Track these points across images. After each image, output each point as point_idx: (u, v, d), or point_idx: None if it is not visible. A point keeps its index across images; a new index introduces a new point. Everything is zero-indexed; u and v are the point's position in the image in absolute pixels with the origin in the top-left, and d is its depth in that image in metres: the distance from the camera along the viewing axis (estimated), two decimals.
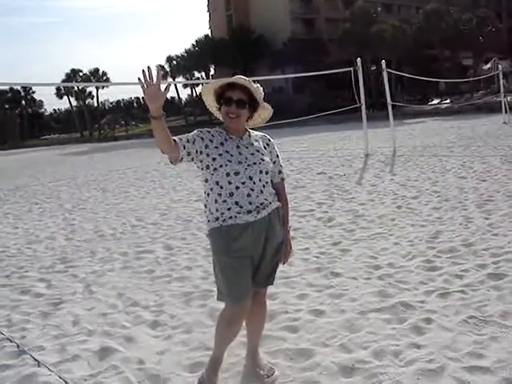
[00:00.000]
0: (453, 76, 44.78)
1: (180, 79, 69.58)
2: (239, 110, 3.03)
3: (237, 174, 3.02)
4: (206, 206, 3.15)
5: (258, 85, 3.11)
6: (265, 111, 3.23)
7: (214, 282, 5.10)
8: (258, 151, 3.15)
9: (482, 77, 37.81)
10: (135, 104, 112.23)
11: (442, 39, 55.56)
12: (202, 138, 3.03)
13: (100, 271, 6.05)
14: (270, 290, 4.71)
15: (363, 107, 15.54)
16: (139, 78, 2.62)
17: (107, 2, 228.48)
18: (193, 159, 3.00)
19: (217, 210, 3.05)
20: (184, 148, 2.94)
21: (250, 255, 3.09)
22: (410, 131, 23.85)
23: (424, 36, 56.03)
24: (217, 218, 3.06)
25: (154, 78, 2.62)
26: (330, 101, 46.62)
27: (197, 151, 2.99)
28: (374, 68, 52.09)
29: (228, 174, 3.01)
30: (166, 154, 2.92)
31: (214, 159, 3.02)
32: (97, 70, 79.01)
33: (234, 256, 3.03)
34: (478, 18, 56.54)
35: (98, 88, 78.32)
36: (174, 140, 2.89)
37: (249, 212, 3.04)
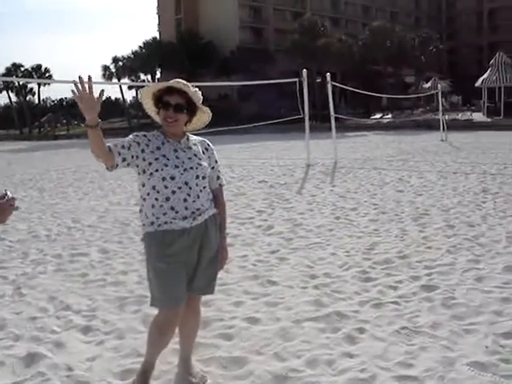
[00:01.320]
0: (395, 92, 46.08)
1: (125, 80, 68.56)
2: (177, 115, 3.02)
3: (173, 178, 3.00)
4: (141, 210, 3.12)
5: (196, 89, 3.09)
6: (204, 115, 3.22)
7: (148, 288, 5.06)
8: (196, 155, 3.13)
9: (422, 94, 39.04)
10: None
11: (386, 56, 57.12)
12: (138, 143, 3.00)
13: (31, 273, 5.85)
14: (206, 296, 4.68)
15: (306, 118, 15.74)
16: (72, 91, 2.62)
17: None
18: (129, 164, 2.98)
19: (152, 215, 3.02)
20: (119, 154, 2.92)
21: (183, 261, 3.06)
22: (352, 144, 24.34)
23: (369, 52, 57.44)
24: (152, 223, 3.03)
25: (87, 88, 2.63)
26: (276, 110, 47.02)
27: (132, 156, 2.96)
28: (320, 80, 52.90)
29: (164, 179, 2.99)
30: (101, 161, 2.90)
31: (150, 164, 3.00)
32: (39, 66, 76.81)
33: (167, 261, 3.00)
34: (421, 38, 58.51)
35: (39, 85, 76.18)
36: (109, 147, 2.89)
37: (184, 218, 3.03)
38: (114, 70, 68.54)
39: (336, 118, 17.47)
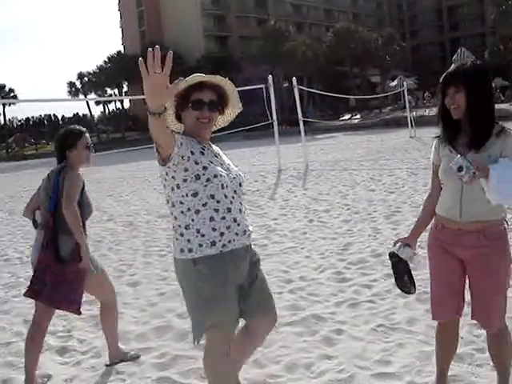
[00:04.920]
0: (362, 92, 46.64)
1: (92, 96, 68.03)
2: (212, 113, 2.66)
3: (227, 186, 2.62)
4: (187, 227, 2.58)
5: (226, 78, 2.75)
6: (234, 110, 2.87)
7: (124, 304, 5.02)
8: (229, 164, 2.79)
9: (389, 93, 39.49)
10: (45, 122, 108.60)
11: (351, 57, 57.77)
12: (186, 143, 2.51)
13: (4, 297, 5.75)
14: (183, 308, 4.66)
15: (275, 123, 15.81)
16: (142, 61, 2.07)
17: (15, 14, 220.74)
18: (177, 164, 2.46)
19: (213, 230, 2.55)
20: (181, 144, 2.45)
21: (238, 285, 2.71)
22: (322, 146, 24.49)
23: (334, 54, 58.04)
24: (213, 243, 2.55)
25: (159, 67, 2.07)
26: (244, 117, 47.16)
27: (183, 157, 2.46)
28: (287, 85, 53.21)
29: (223, 186, 2.58)
30: (161, 148, 2.40)
31: (204, 168, 2.55)
32: (3, 86, 75.76)
33: (227, 288, 2.61)
34: (384, 38, 59.30)
35: (4, 105, 75.15)
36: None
37: (244, 233, 2.67)
38: (79, 86, 67.96)
39: (305, 122, 17.58)
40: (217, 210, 2.56)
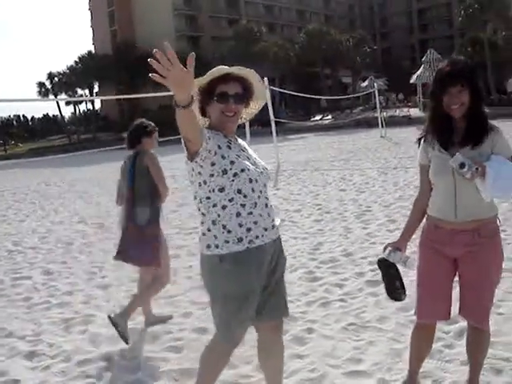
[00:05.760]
0: (334, 93, 46.90)
1: (62, 96, 67.06)
2: (238, 106, 2.60)
3: (256, 181, 2.59)
4: (214, 223, 2.55)
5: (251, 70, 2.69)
6: (259, 102, 2.84)
7: (95, 307, 4.97)
8: (256, 158, 2.76)
9: (360, 94, 39.78)
10: (15, 122, 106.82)
11: (323, 58, 58.06)
12: (213, 137, 2.47)
13: None
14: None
15: (247, 124, 15.77)
16: (154, 59, 2.07)
17: None
18: (204, 159, 2.43)
19: (240, 226, 2.52)
20: (209, 139, 2.40)
21: (261, 286, 2.67)
22: (294, 147, 24.58)
23: (306, 55, 58.22)
24: (240, 239, 2.52)
25: (169, 61, 2.07)
26: None
27: (210, 151, 2.42)
28: None
29: (251, 180, 2.55)
30: (190, 143, 2.36)
31: (232, 162, 2.51)
32: None
33: (253, 287, 2.58)
34: (355, 39, 59.75)
35: None
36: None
37: (273, 227, 2.65)
38: (49, 87, 66.94)
39: (277, 122, 17.59)
40: (243, 206, 2.53)
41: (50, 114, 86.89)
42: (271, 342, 2.87)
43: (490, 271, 2.76)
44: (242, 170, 2.52)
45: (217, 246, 2.52)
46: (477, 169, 2.51)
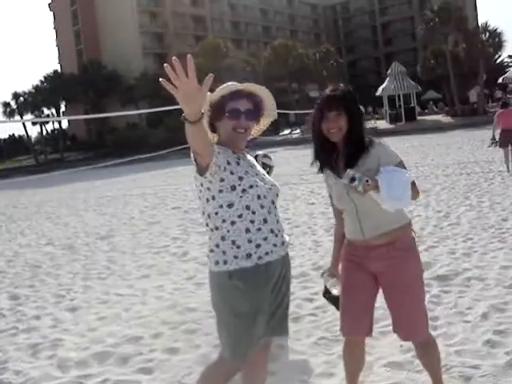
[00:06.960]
0: (301, 107, 47.24)
1: (28, 117, 66.16)
2: (249, 123, 2.61)
3: (265, 197, 2.58)
4: (223, 239, 2.53)
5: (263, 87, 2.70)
6: (268, 119, 2.85)
7: (64, 330, 4.88)
8: (264, 174, 2.75)
9: None
10: None
11: (290, 73, 58.58)
12: (222, 153, 2.46)
13: None
14: (124, 331, 4.58)
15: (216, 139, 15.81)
16: (164, 81, 2.11)
17: None
18: (213, 174, 2.43)
19: (249, 242, 2.50)
20: (218, 154, 2.39)
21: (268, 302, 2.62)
22: None
23: (273, 70, 58.65)
24: (249, 255, 2.49)
25: (183, 73, 2.10)
26: (185, 135, 46.95)
27: (220, 166, 2.42)
28: None
29: (259, 197, 2.54)
30: (200, 156, 2.35)
31: (240, 178, 2.51)
32: None
33: (260, 303, 2.54)
34: (321, 54, 60.48)
35: None
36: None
37: (282, 243, 2.64)
38: (15, 107, 65.96)
39: None
40: (252, 222, 2.51)
41: (16, 135, 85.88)
42: (257, 359, 2.77)
43: (409, 286, 2.78)
44: (251, 187, 2.52)
45: (225, 262, 2.50)
46: (367, 180, 2.54)
